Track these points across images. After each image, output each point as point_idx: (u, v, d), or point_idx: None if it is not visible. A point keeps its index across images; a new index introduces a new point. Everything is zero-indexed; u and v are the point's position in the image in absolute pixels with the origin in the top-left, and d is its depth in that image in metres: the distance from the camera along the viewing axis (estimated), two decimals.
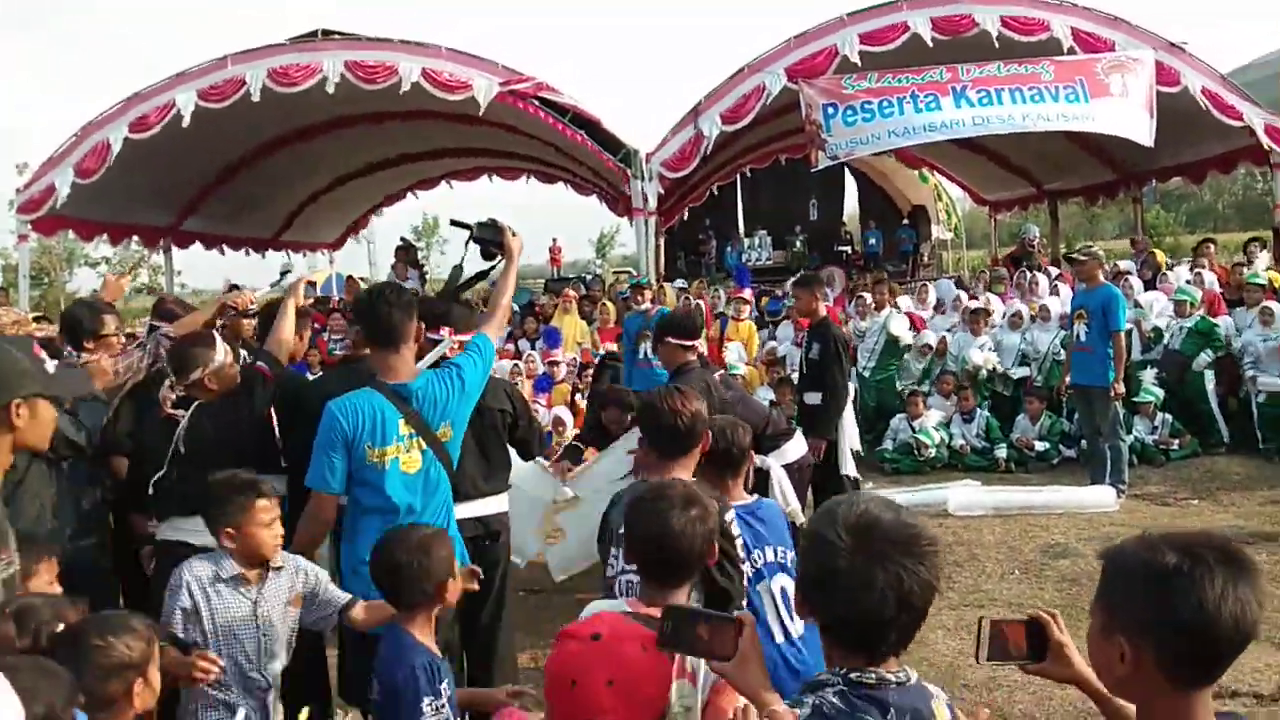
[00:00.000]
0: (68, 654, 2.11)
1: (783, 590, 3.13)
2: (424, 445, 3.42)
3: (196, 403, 3.74)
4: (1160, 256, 12.59)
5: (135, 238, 15.37)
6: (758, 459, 4.74)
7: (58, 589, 2.82)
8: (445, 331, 3.98)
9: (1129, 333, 8.84)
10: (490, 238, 3.91)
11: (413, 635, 2.77)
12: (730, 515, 3.02)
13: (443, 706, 2.71)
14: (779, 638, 3.10)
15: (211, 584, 3.01)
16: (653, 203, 11.91)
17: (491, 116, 12.14)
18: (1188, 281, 10.66)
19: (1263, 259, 11.37)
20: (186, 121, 11.45)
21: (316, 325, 9.95)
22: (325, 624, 3.22)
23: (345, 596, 3.20)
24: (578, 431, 7.48)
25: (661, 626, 1.75)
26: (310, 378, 5.72)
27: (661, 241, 14.62)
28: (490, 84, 11.40)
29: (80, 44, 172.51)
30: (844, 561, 1.61)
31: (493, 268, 4.14)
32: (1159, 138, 11.35)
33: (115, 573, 4.14)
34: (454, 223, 4.02)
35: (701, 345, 5.66)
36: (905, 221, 21.19)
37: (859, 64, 11.29)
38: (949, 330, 10.89)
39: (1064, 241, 19.76)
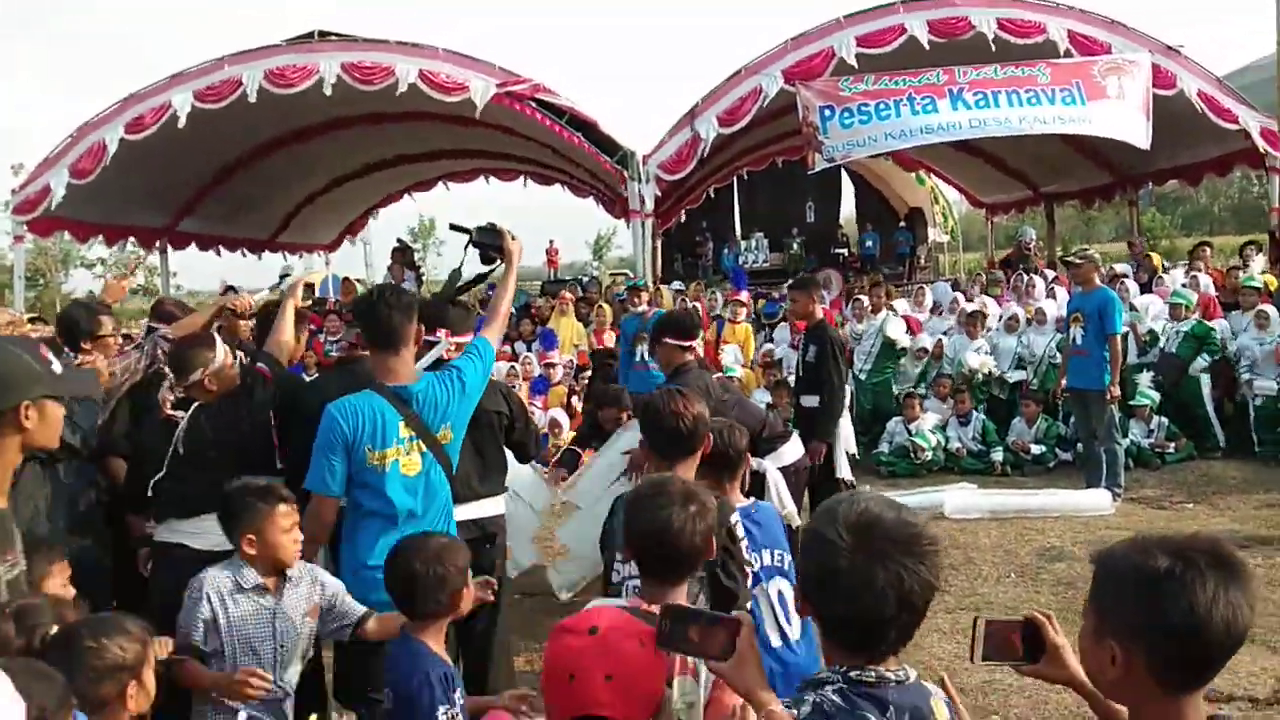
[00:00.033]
0: (61, 656, 2.10)
1: (780, 594, 3.13)
2: (424, 448, 3.41)
3: (196, 404, 3.73)
4: (1156, 260, 12.61)
5: (131, 239, 15.36)
6: (754, 462, 4.73)
7: (71, 591, 2.83)
8: (442, 333, 3.98)
9: (1125, 336, 8.85)
10: (490, 242, 3.90)
11: (426, 645, 2.75)
12: (735, 517, 3.02)
13: (456, 716, 2.70)
14: (776, 641, 3.10)
15: (231, 594, 3.00)
16: (649, 205, 11.93)
17: (488, 118, 12.14)
18: (1183, 285, 10.67)
19: (1258, 262, 11.39)
20: (183, 122, 11.45)
21: (312, 327, 9.93)
22: (340, 636, 3.19)
23: (360, 609, 3.18)
24: (574, 434, 7.47)
25: (660, 626, 1.76)
26: (307, 379, 5.70)
27: (658, 244, 14.62)
28: (487, 85, 11.41)
29: (80, 44, 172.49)
30: (844, 561, 1.61)
31: (491, 271, 4.13)
32: (1155, 141, 11.38)
33: (113, 574, 4.12)
34: (453, 227, 4.02)
35: (699, 347, 5.65)
36: (902, 224, 21.20)
37: (856, 66, 11.31)
38: (945, 333, 10.89)
39: (1060, 244, 19.76)
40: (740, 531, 2.99)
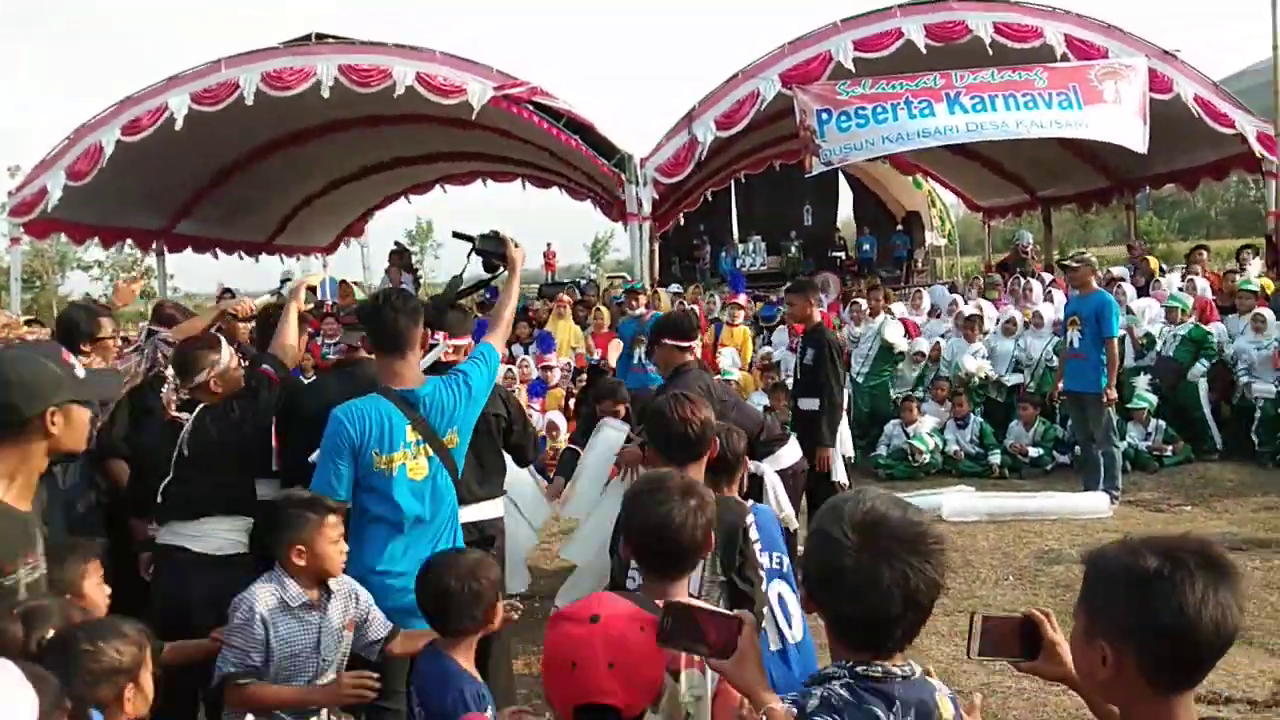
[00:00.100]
0: (57, 659, 2.09)
1: (779, 597, 3.12)
2: (431, 452, 3.40)
3: (201, 405, 3.73)
4: (1153, 263, 12.63)
5: (128, 241, 15.34)
6: (752, 465, 4.73)
7: (106, 590, 2.82)
8: (440, 336, 3.98)
9: (1122, 339, 8.86)
10: (493, 249, 3.90)
11: (457, 661, 2.72)
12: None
13: None
14: (775, 644, 3.10)
15: (278, 611, 2.95)
16: (647, 208, 11.95)
17: (486, 121, 12.16)
18: (1179, 288, 10.69)
19: (1255, 266, 11.41)
20: (179, 125, 11.45)
21: (310, 329, 9.92)
22: (370, 653, 3.14)
23: (389, 627, 3.16)
24: (571, 436, 7.47)
25: (661, 623, 1.77)
26: (305, 381, 5.70)
27: (656, 247, 14.64)
28: (484, 88, 11.42)
29: (80, 44, 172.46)
30: (850, 559, 1.61)
31: (494, 278, 4.13)
32: (1152, 145, 11.41)
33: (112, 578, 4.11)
34: (457, 234, 4.01)
35: (697, 348, 5.65)
36: (899, 227, 21.24)
37: (853, 70, 11.33)
38: (943, 336, 10.90)
39: (1057, 248, 19.80)
40: (754, 534, 2.99)
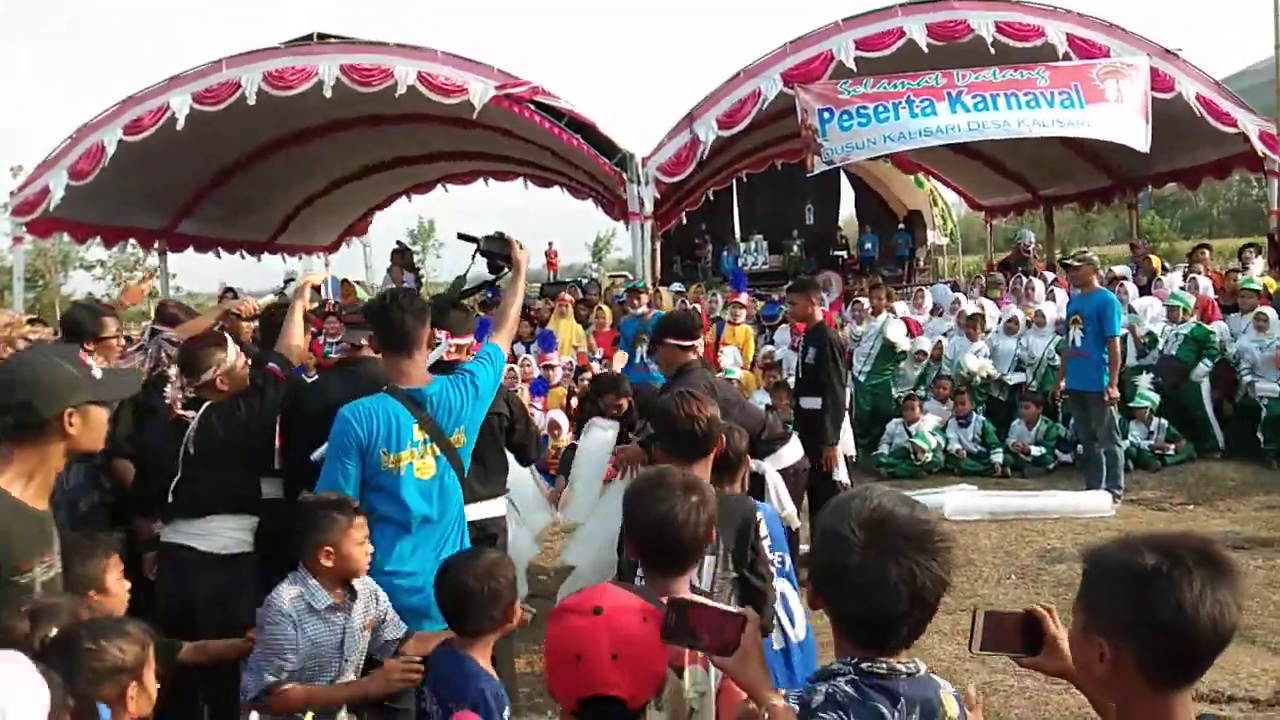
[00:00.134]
0: (60, 658, 2.09)
1: (782, 596, 3.13)
2: (438, 451, 3.40)
3: (207, 404, 3.73)
4: (1155, 262, 12.62)
5: (130, 240, 15.36)
6: (754, 463, 4.74)
7: (126, 584, 2.83)
8: (442, 335, 3.98)
9: (1124, 338, 8.85)
10: (498, 251, 3.90)
11: (476, 661, 2.73)
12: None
13: None
14: (778, 643, 3.10)
15: (305, 614, 2.95)
16: (649, 207, 11.94)
17: (487, 120, 12.16)
18: (1181, 287, 10.68)
19: (1257, 265, 11.40)
20: (181, 124, 11.46)
21: (313, 329, 9.94)
22: (386, 653, 3.15)
23: (403, 628, 3.17)
24: (573, 434, 7.47)
25: (665, 619, 1.77)
26: (307, 380, 5.70)
27: (657, 246, 14.62)
28: (486, 87, 11.42)
29: (80, 44, 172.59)
30: (857, 557, 1.61)
31: (498, 279, 4.13)
32: (1154, 144, 11.40)
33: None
34: (462, 236, 4.01)
35: (699, 347, 5.65)
36: (901, 226, 21.20)
37: (855, 69, 11.32)
38: (945, 335, 10.90)
39: (1059, 247, 19.79)
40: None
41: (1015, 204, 19.16)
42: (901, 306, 11.56)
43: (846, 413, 6.86)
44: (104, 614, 2.67)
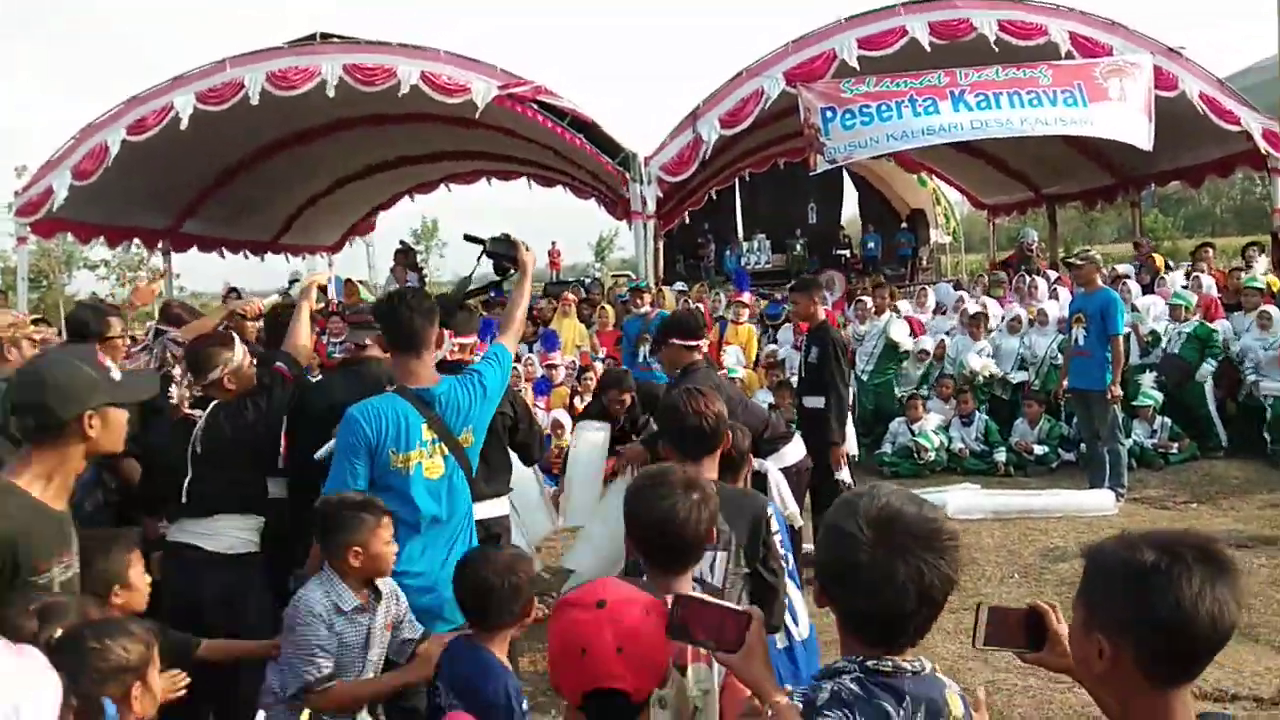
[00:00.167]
0: (65, 657, 2.10)
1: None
2: (447, 451, 3.41)
3: (214, 403, 3.74)
4: (1159, 260, 12.61)
5: (134, 240, 15.39)
6: (756, 462, 4.74)
7: (147, 579, 2.85)
8: (446, 334, 3.98)
9: (1127, 337, 8.84)
10: (504, 252, 3.90)
11: (496, 655, 2.73)
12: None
13: None
14: (781, 642, 3.10)
15: (333, 614, 2.94)
16: (651, 206, 11.94)
17: (490, 120, 12.16)
18: (1184, 286, 10.67)
19: (1261, 263, 11.37)
20: (185, 124, 11.48)
21: (316, 328, 9.94)
22: (403, 653, 3.15)
23: (419, 628, 3.17)
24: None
25: (670, 616, 1.77)
26: (312, 380, 5.71)
27: (660, 245, 14.63)
28: (489, 87, 11.43)
29: (80, 44, 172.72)
30: (865, 555, 1.61)
31: (503, 280, 4.14)
32: (1157, 142, 11.39)
33: None
34: (468, 237, 4.01)
35: (704, 346, 5.66)
36: (904, 225, 21.22)
37: (857, 68, 11.32)
38: (948, 334, 10.90)
39: (1062, 246, 19.79)
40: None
41: (1018, 202, 19.14)
42: (904, 305, 11.57)
43: (850, 412, 6.86)
44: (127, 608, 2.70)
